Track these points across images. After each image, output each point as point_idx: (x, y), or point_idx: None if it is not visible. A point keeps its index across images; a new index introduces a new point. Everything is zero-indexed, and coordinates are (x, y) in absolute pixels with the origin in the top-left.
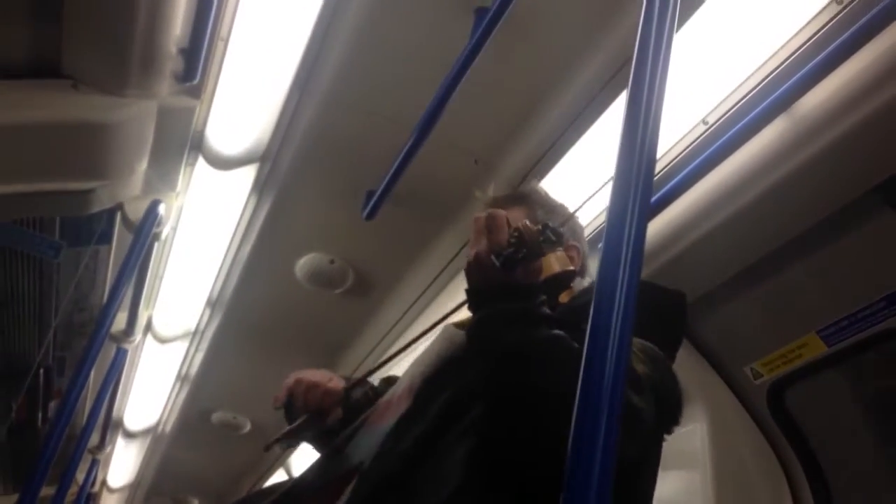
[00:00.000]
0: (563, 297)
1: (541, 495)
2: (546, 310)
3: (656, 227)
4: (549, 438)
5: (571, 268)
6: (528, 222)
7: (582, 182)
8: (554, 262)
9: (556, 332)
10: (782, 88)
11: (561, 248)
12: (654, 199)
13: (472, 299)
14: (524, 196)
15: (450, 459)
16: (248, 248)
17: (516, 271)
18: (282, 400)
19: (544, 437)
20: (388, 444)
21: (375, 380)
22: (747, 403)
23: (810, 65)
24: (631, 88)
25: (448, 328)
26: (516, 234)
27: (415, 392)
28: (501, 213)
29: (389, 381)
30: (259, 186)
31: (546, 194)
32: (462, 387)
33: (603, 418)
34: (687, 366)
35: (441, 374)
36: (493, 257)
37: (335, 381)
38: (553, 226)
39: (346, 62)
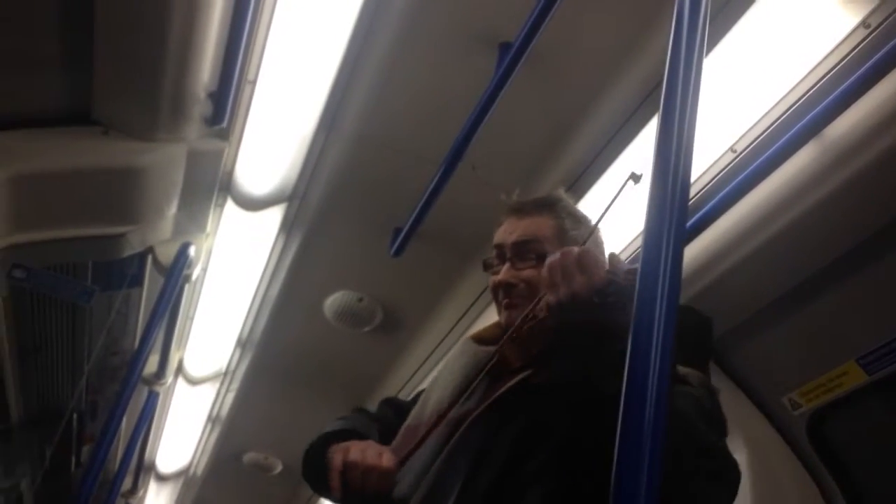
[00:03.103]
0: None
1: None
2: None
3: (689, 254)
4: None
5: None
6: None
7: (615, 209)
8: None
9: None
10: (812, 114)
11: None
12: (688, 224)
13: (570, 337)
14: (552, 204)
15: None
16: (277, 287)
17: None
18: (338, 490)
19: None
20: (447, 482)
21: None
22: (787, 435)
23: (839, 90)
24: (662, 114)
25: (468, 343)
26: (629, 276)
27: (461, 424)
28: (590, 250)
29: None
30: (287, 226)
31: (571, 202)
32: (531, 426)
33: (646, 453)
34: (724, 396)
35: (497, 407)
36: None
37: (386, 458)
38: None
39: (372, 101)
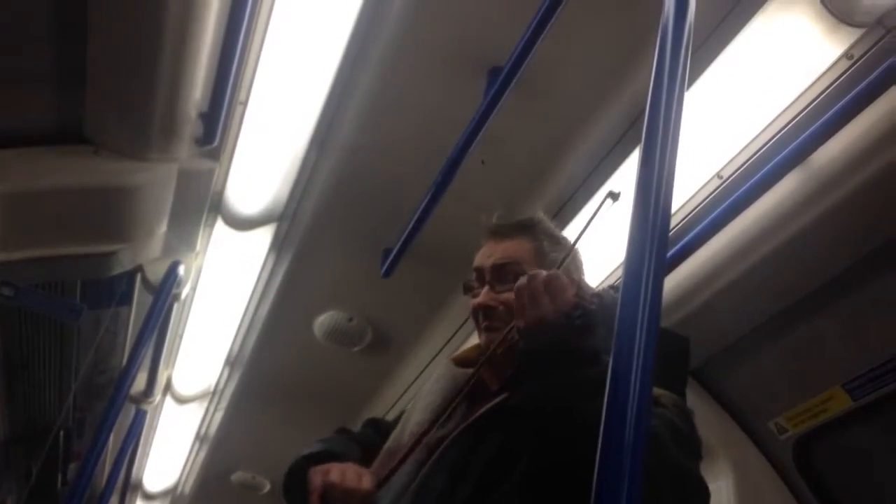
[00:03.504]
0: None
1: None
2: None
3: (673, 281)
4: None
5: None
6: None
7: (597, 238)
8: None
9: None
10: (796, 142)
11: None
12: (670, 253)
13: (537, 361)
14: (531, 226)
15: None
16: (266, 306)
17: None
18: None
19: None
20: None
21: None
22: (773, 459)
23: (824, 118)
24: (644, 144)
25: (448, 366)
26: (594, 300)
27: (440, 446)
28: (560, 274)
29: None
30: (277, 245)
31: (550, 224)
32: (505, 448)
33: (624, 481)
34: (710, 421)
35: (473, 429)
36: (563, 318)
37: (365, 480)
38: (605, 294)
39: (363, 122)
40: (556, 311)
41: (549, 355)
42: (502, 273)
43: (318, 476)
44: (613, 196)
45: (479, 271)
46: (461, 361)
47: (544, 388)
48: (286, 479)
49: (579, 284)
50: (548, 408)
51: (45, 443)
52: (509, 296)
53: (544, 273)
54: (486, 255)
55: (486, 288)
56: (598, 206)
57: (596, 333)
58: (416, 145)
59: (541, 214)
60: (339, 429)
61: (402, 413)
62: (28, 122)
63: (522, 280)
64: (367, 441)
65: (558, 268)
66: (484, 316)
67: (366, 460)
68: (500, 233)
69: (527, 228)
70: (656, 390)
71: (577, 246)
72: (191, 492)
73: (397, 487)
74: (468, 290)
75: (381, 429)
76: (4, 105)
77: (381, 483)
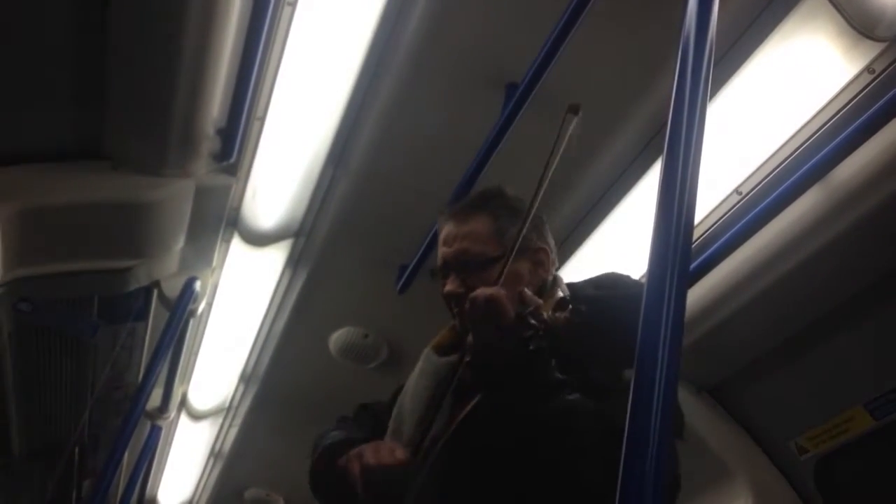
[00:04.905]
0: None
1: None
2: (558, 374)
3: (694, 297)
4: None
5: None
6: (550, 313)
7: (618, 251)
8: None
9: (573, 398)
10: (817, 157)
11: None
12: (691, 267)
13: (489, 378)
14: (486, 202)
15: None
16: (281, 323)
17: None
18: (366, 495)
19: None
20: None
21: None
22: (793, 480)
23: (844, 133)
24: (666, 157)
25: (429, 356)
26: (540, 325)
27: (424, 460)
28: (500, 294)
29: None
30: (293, 261)
31: (510, 195)
32: (485, 448)
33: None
34: (729, 440)
35: (464, 428)
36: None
37: (399, 452)
38: (577, 307)
39: (379, 138)
40: (500, 333)
41: (500, 382)
42: (463, 261)
43: (354, 463)
44: (574, 108)
45: (444, 260)
46: (440, 348)
47: (497, 421)
48: (315, 475)
49: (523, 297)
50: (503, 441)
51: (60, 459)
52: (475, 281)
53: (482, 296)
54: (447, 242)
55: (452, 276)
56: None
57: (561, 351)
58: (433, 161)
59: (500, 187)
60: (339, 417)
61: (398, 390)
62: (47, 138)
63: (467, 305)
64: (371, 424)
65: (512, 249)
66: (455, 303)
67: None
68: (459, 214)
69: (484, 205)
70: (629, 373)
71: (539, 215)
72: None
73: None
74: (435, 275)
75: (376, 414)
76: (24, 121)
77: (416, 450)
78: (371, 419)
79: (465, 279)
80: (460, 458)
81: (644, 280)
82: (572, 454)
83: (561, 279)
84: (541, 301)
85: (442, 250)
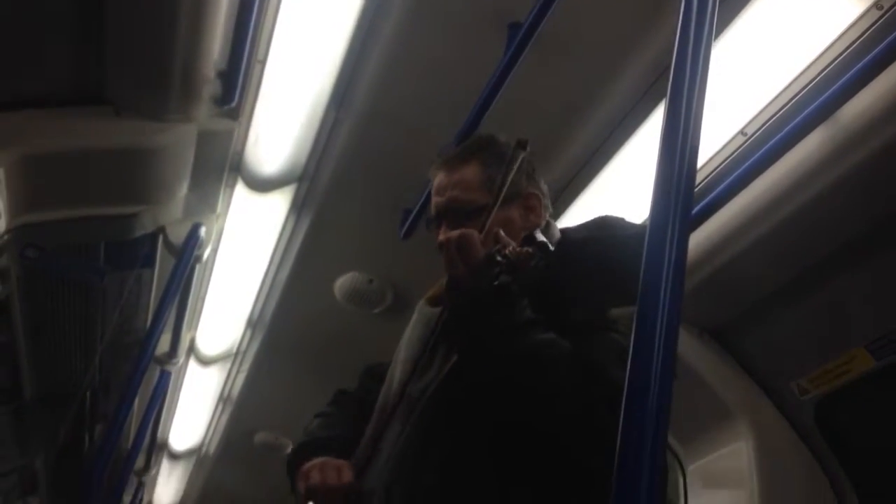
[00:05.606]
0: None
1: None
2: (530, 312)
3: (697, 240)
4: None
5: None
6: (514, 248)
7: (621, 195)
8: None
9: (546, 336)
10: (823, 96)
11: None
12: (694, 210)
13: (459, 319)
14: (476, 151)
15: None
16: (287, 268)
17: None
18: None
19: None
20: (407, 471)
21: None
22: (794, 421)
23: (851, 72)
24: (669, 99)
25: (423, 308)
26: (504, 261)
27: (411, 413)
28: (472, 233)
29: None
30: (297, 207)
31: (501, 142)
32: (467, 410)
33: (646, 459)
34: (730, 382)
35: (446, 384)
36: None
37: (345, 474)
38: (540, 240)
39: (382, 80)
40: (469, 271)
41: (467, 320)
42: (453, 210)
43: (301, 482)
44: (522, 144)
45: (436, 209)
46: (433, 300)
47: (468, 357)
48: (288, 471)
49: (497, 236)
50: (478, 376)
51: (71, 404)
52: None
53: (455, 234)
54: (439, 191)
55: (443, 226)
56: (624, 167)
57: (536, 290)
58: (436, 104)
59: (492, 135)
60: (337, 391)
61: (366, 370)
62: (49, 83)
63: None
64: (371, 395)
65: (497, 196)
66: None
67: (368, 416)
68: (450, 163)
69: (474, 154)
70: (617, 311)
71: (530, 160)
72: (215, 452)
73: (387, 449)
74: (429, 224)
75: (377, 375)
76: (25, 66)
77: (361, 469)
78: (374, 385)
79: (456, 228)
80: (447, 407)
81: (642, 223)
82: (549, 395)
83: (554, 224)
84: (512, 242)
85: (435, 199)
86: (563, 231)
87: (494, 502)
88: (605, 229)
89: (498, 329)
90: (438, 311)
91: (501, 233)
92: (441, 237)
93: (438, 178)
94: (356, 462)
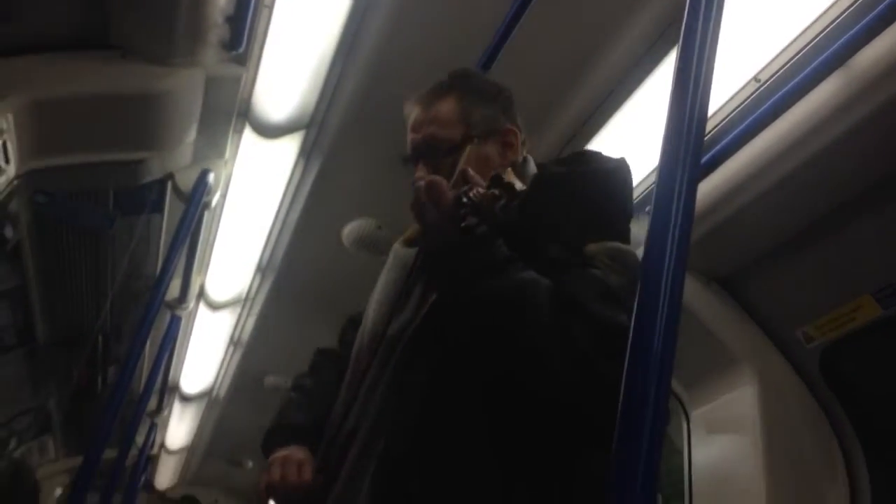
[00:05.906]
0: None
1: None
2: (506, 251)
3: (707, 188)
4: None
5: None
6: (479, 190)
7: (631, 143)
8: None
9: (526, 274)
10: (838, 43)
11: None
12: (704, 159)
13: (434, 264)
14: (451, 85)
15: (460, 428)
16: (295, 214)
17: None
18: None
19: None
20: (388, 417)
21: None
22: (799, 367)
23: (867, 18)
24: (681, 45)
25: (397, 250)
26: (469, 203)
27: (391, 353)
28: (439, 180)
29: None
30: (306, 153)
31: (476, 75)
32: (444, 353)
33: (649, 406)
34: (736, 328)
35: (416, 337)
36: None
37: (306, 471)
38: (507, 181)
39: (390, 27)
40: (439, 215)
41: (442, 264)
42: (430, 148)
43: (263, 477)
44: None
45: (413, 147)
46: (410, 241)
47: (446, 299)
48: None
49: (465, 175)
50: (451, 304)
51: (83, 347)
52: (443, 167)
53: (424, 181)
54: (416, 126)
55: (420, 164)
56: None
57: (506, 228)
58: (443, 52)
59: (467, 68)
60: (316, 352)
61: (347, 322)
62: (54, 28)
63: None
64: (347, 350)
65: (468, 137)
66: None
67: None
68: (425, 100)
69: (450, 88)
70: (593, 247)
71: (508, 95)
72: (226, 394)
73: (368, 389)
74: (406, 162)
75: (358, 323)
76: (30, 9)
77: (321, 468)
78: (353, 332)
79: (434, 166)
80: (428, 346)
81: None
82: (530, 333)
83: (531, 159)
84: (481, 181)
85: (411, 136)
86: (541, 166)
87: (480, 439)
88: (582, 164)
89: (472, 269)
90: (414, 251)
91: (470, 172)
92: (418, 175)
93: (414, 115)
94: (334, 416)
